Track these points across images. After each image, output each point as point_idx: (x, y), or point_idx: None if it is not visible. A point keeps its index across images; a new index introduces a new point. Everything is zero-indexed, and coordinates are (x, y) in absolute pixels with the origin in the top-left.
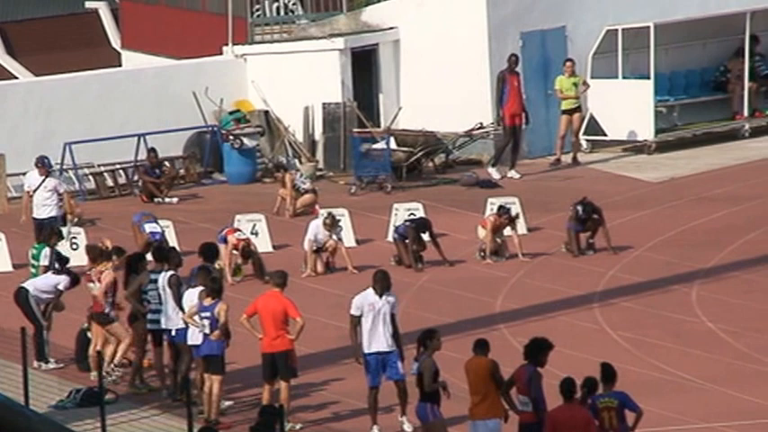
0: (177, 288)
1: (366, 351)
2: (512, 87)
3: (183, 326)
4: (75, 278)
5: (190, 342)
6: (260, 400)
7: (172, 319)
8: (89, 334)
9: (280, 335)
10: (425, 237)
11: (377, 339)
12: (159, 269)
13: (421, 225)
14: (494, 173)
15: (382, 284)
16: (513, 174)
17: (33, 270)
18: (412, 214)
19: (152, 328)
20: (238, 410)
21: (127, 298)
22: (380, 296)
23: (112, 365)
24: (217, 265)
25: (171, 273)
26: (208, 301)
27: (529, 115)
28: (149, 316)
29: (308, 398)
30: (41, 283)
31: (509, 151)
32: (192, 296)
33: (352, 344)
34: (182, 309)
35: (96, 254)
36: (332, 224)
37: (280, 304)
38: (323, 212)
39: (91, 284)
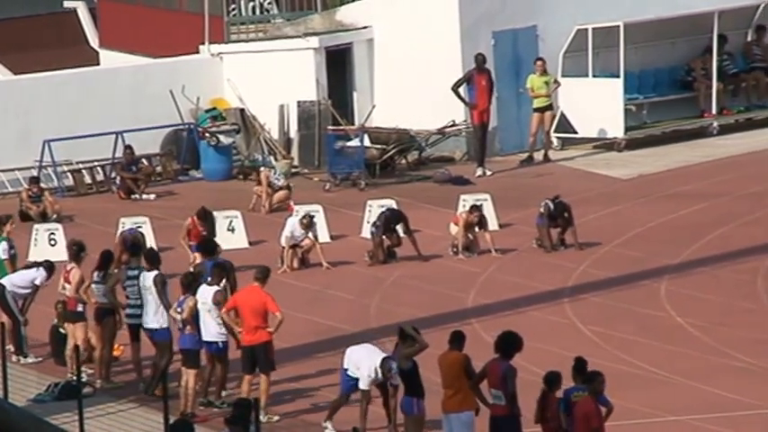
0: (163, 287)
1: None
2: (479, 86)
3: (165, 325)
4: (51, 268)
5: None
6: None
7: (156, 318)
8: (62, 330)
9: (259, 328)
10: (400, 232)
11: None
12: (136, 265)
13: (395, 217)
14: (479, 171)
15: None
16: (480, 171)
17: None
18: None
19: (130, 323)
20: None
21: (104, 294)
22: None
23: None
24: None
25: (156, 272)
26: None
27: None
28: (127, 311)
29: (285, 391)
30: (18, 279)
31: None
32: (205, 293)
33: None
34: (168, 308)
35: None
36: (309, 224)
37: (259, 299)
38: (298, 210)
39: (61, 289)
